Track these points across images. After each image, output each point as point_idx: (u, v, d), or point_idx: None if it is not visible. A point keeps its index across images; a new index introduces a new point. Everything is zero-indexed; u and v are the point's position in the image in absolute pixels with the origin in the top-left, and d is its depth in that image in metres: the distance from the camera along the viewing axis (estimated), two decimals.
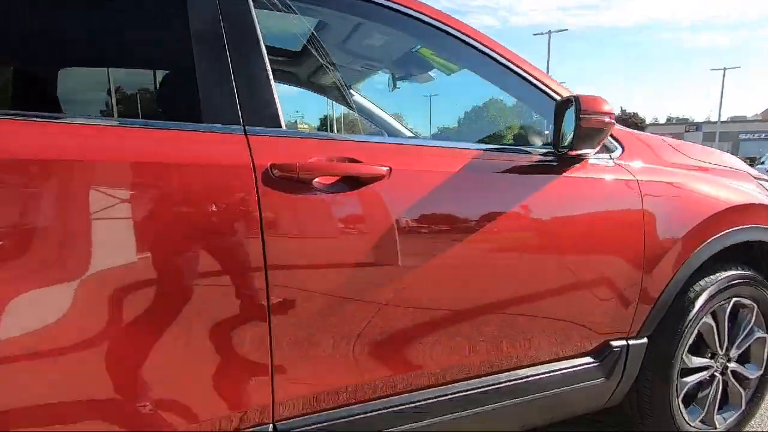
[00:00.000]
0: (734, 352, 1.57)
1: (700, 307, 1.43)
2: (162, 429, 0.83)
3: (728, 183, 1.54)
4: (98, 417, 0.82)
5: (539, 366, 1.25)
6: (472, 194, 1.14)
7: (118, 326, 0.81)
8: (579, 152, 1.21)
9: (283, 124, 1.00)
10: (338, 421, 0.99)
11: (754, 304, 1.57)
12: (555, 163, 1.23)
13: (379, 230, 1.00)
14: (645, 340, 1.37)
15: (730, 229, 1.43)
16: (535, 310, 1.23)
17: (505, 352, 1.20)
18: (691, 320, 1.42)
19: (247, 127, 0.94)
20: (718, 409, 1.60)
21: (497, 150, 1.23)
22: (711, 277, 1.47)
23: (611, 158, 1.34)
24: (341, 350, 0.99)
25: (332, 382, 0.99)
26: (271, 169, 0.91)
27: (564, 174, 1.23)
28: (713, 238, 1.39)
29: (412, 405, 1.06)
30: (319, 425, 0.97)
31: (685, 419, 1.50)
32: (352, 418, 1.00)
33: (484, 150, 1.19)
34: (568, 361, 1.29)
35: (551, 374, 1.25)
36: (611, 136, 1.36)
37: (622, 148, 1.38)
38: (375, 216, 1.01)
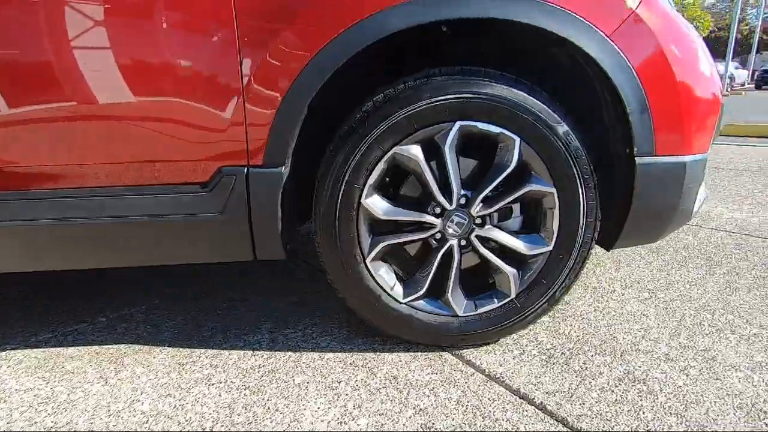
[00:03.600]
0: (479, 212, 1.05)
1: (376, 127, 0.97)
2: None
3: None
4: None
5: (138, 187, 1.02)
6: None
7: None
8: None
9: None
10: None
11: (515, 137, 0.99)
12: None
13: None
14: (281, 169, 1.01)
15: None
16: (108, 117, 0.98)
17: (86, 164, 1.02)
18: (355, 146, 0.98)
19: None
20: (474, 291, 1.13)
21: None
22: (399, 90, 0.97)
23: None
24: None
25: None
26: None
27: None
28: (378, 12, 0.89)
29: None
30: None
31: (388, 292, 1.10)
32: None
33: None
34: (175, 187, 1.03)
35: (144, 196, 1.02)
36: None
37: None
38: None
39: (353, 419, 0.93)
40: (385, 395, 1.00)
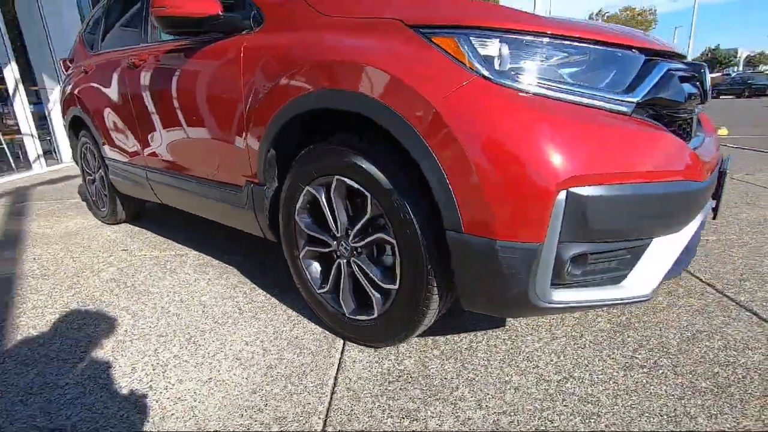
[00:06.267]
0: (353, 243, 1.37)
1: (289, 175, 1.47)
2: None
3: (315, 39, 1.35)
4: None
5: (215, 183, 1.92)
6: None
7: None
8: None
9: None
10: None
11: (368, 194, 1.26)
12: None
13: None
14: (264, 188, 1.63)
15: (306, 94, 1.31)
16: (202, 149, 1.90)
17: (189, 169, 2.01)
18: (286, 187, 1.50)
19: None
20: (360, 303, 1.46)
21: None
22: (309, 149, 1.41)
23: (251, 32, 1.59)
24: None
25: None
26: None
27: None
28: (290, 100, 1.37)
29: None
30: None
31: (310, 281, 1.58)
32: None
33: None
34: (230, 187, 1.84)
35: (215, 187, 1.91)
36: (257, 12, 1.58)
37: (264, 20, 1.55)
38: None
39: (238, 342, 1.53)
40: (273, 338, 1.54)
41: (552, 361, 1.37)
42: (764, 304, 1.65)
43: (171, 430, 1.16)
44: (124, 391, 1.33)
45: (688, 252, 1.31)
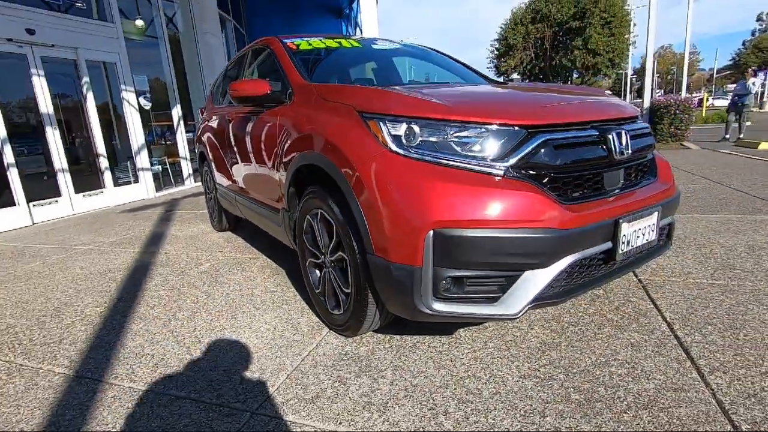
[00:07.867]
0: (330, 258, 1.91)
1: (299, 206, 2.07)
2: None
3: (312, 115, 1.97)
4: None
5: (266, 205, 2.64)
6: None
7: None
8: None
9: None
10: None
11: (334, 224, 1.80)
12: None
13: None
14: (290, 213, 2.27)
15: (303, 152, 1.91)
16: (259, 181, 2.63)
17: (253, 195, 2.75)
18: (298, 213, 2.11)
19: None
20: (337, 302, 1.99)
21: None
22: (309, 190, 1.99)
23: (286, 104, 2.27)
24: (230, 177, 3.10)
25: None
26: None
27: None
28: (295, 154, 1.99)
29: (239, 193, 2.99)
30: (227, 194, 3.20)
31: (313, 282, 2.16)
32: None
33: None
34: (273, 210, 2.54)
35: (266, 208, 2.62)
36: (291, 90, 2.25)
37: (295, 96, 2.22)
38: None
39: (252, 312, 2.16)
40: (285, 322, 2.14)
41: (468, 363, 1.72)
42: (709, 347, 1.72)
43: (201, 365, 1.84)
44: (185, 339, 2.07)
45: (574, 289, 1.56)
